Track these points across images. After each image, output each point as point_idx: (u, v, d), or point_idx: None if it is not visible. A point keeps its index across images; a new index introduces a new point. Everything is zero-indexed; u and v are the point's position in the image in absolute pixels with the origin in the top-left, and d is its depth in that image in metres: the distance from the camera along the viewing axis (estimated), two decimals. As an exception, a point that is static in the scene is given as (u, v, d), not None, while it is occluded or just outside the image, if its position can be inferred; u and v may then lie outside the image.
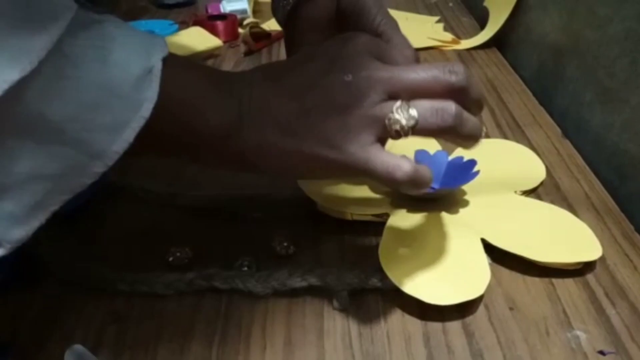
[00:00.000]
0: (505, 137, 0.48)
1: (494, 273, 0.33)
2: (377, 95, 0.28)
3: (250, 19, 0.74)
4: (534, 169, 0.43)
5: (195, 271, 0.33)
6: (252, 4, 0.77)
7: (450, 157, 0.40)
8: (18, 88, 0.22)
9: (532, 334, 0.31)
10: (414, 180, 0.28)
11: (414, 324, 0.31)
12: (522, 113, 0.52)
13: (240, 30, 0.72)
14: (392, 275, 0.32)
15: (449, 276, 0.33)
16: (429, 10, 0.75)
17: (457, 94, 0.29)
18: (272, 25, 0.70)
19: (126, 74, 0.25)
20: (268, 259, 0.35)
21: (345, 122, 0.28)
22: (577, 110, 0.50)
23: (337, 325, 0.31)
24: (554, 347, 0.30)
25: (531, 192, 0.41)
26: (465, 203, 0.39)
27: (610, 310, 0.32)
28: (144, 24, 0.72)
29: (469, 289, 0.32)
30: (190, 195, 0.40)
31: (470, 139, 0.30)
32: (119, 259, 0.35)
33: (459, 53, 0.64)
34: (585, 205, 0.40)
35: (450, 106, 0.28)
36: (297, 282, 0.33)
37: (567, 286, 0.33)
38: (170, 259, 0.35)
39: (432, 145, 0.42)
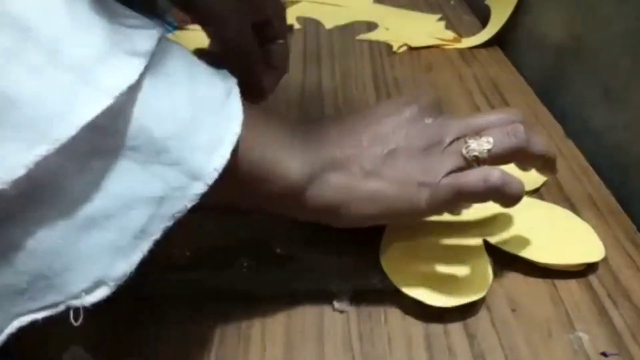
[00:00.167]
0: (507, 136, 0.48)
1: (495, 274, 0.33)
2: (453, 134, 0.30)
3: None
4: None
5: (195, 271, 0.33)
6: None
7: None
8: (125, 98, 0.21)
9: (534, 336, 0.30)
10: (507, 184, 0.29)
11: (415, 326, 0.31)
12: (524, 112, 0.51)
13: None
14: (393, 276, 0.32)
15: (451, 278, 0.32)
16: (430, 8, 0.75)
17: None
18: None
19: (213, 92, 0.25)
20: (268, 260, 0.35)
21: (427, 160, 0.30)
22: (579, 109, 0.50)
23: (337, 327, 0.31)
24: (556, 348, 0.30)
25: (533, 193, 0.41)
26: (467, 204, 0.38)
27: (612, 312, 0.32)
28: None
29: (471, 290, 0.32)
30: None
31: (543, 158, 0.32)
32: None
33: (460, 52, 0.64)
34: (588, 206, 0.40)
35: (519, 126, 0.30)
36: (297, 284, 0.33)
37: (569, 287, 0.33)
38: (170, 259, 0.35)
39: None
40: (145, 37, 0.23)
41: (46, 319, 0.22)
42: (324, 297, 0.32)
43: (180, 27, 0.71)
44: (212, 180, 0.24)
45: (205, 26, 0.39)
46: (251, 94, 0.28)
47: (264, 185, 0.29)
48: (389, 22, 0.71)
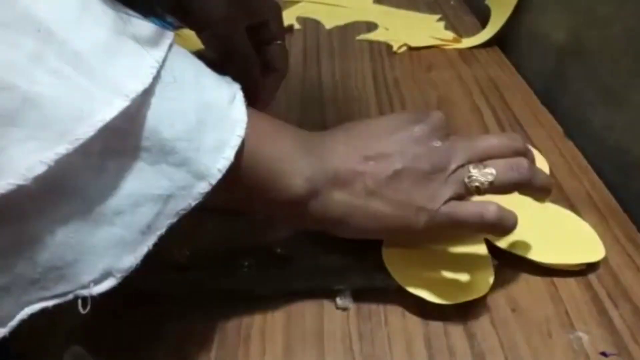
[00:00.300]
0: (507, 136, 0.48)
1: (496, 274, 0.33)
2: (458, 161, 0.31)
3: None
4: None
5: (195, 271, 0.33)
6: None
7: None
8: (140, 101, 0.22)
9: (534, 336, 0.30)
10: (502, 219, 0.30)
11: (415, 326, 0.31)
12: (524, 113, 0.51)
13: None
14: (396, 274, 0.32)
15: (453, 276, 0.33)
16: (430, 8, 0.75)
17: (525, 155, 0.32)
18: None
19: (219, 96, 0.26)
20: (268, 259, 0.35)
21: (430, 186, 0.30)
22: (579, 110, 0.50)
23: (337, 326, 0.31)
24: (556, 348, 0.30)
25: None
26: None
27: (612, 312, 0.32)
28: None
29: (473, 288, 0.32)
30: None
31: (543, 190, 0.32)
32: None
33: (460, 52, 0.64)
34: (588, 206, 0.40)
35: (523, 160, 0.31)
36: (298, 283, 0.33)
37: (569, 287, 0.33)
38: (170, 258, 0.35)
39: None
40: (159, 44, 0.24)
41: (50, 315, 0.22)
42: (324, 296, 0.32)
43: (179, 27, 0.71)
44: (216, 181, 0.25)
45: (199, 33, 0.39)
46: (252, 99, 0.28)
47: (267, 194, 0.29)
48: (389, 22, 0.71)
